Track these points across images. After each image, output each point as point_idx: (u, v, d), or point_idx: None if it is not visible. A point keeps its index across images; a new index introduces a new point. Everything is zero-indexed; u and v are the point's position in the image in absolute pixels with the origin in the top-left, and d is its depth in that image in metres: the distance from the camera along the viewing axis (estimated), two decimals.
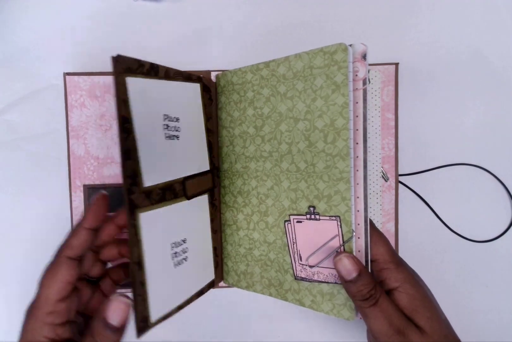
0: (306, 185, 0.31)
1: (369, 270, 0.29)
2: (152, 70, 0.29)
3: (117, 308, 0.26)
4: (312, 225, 0.31)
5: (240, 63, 0.35)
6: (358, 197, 0.29)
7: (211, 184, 0.36)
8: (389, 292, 0.29)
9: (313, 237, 0.31)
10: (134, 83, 0.27)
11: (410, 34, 0.42)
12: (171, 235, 0.31)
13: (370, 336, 0.29)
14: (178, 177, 0.31)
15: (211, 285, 0.36)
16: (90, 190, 0.39)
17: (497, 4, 0.42)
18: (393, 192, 0.40)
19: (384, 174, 0.40)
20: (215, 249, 0.36)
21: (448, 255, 0.42)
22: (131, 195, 0.26)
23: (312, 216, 0.31)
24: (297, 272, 0.32)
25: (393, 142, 0.40)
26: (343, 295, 0.30)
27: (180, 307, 0.31)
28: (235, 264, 0.37)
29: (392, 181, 0.40)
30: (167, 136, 0.30)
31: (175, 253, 0.31)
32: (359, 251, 0.29)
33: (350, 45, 0.28)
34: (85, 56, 0.42)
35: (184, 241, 0.32)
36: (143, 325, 0.26)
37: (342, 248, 0.30)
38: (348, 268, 0.28)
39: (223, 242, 0.38)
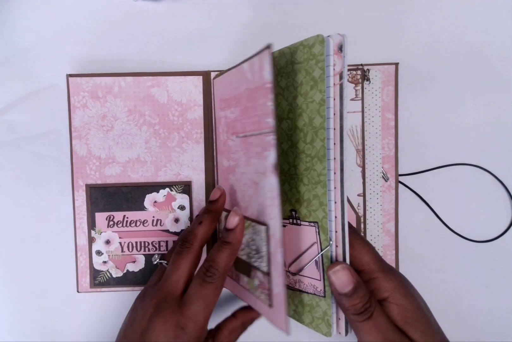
0: (289, 187, 0.30)
1: None
2: None
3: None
4: (295, 230, 0.30)
5: None
6: (336, 202, 0.27)
7: None
8: (379, 303, 0.27)
9: (295, 242, 0.30)
10: None
11: (410, 34, 0.42)
12: None
13: None
14: None
15: None
16: (92, 190, 0.39)
17: (497, 4, 0.42)
18: (393, 192, 0.40)
19: (384, 174, 0.40)
20: None
21: (448, 255, 0.42)
22: None
23: (294, 221, 0.29)
24: None
25: (393, 142, 0.40)
26: (321, 308, 0.28)
27: None
28: None
29: (392, 181, 0.40)
30: None
31: None
32: (337, 261, 0.27)
33: (329, 36, 0.26)
34: (85, 55, 0.42)
35: None
36: None
37: (320, 257, 0.28)
38: (343, 280, 0.26)
39: None
